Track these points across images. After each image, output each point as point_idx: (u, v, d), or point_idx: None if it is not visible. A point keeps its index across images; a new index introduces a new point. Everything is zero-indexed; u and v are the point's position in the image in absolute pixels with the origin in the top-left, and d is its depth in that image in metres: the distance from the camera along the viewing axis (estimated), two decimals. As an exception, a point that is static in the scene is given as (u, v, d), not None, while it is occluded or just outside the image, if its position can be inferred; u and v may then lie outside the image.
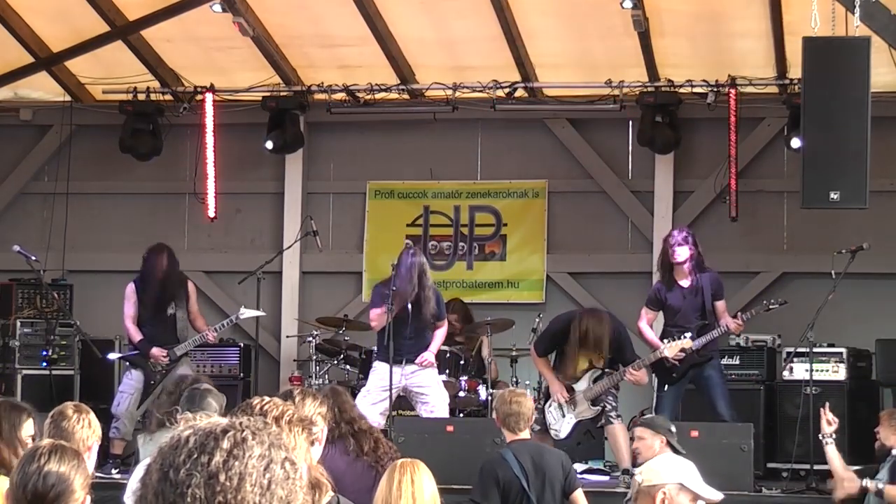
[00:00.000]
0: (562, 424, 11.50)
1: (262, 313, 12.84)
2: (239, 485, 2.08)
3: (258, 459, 2.11)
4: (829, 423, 10.14)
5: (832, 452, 10.16)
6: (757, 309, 11.86)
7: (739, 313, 11.78)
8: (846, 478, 10.19)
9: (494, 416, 8.42)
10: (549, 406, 11.57)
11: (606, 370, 11.49)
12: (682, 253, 11.59)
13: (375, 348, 11.99)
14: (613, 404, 11.37)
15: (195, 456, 2.10)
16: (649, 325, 11.88)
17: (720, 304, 11.77)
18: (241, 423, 2.16)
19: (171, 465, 2.10)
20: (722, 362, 12.08)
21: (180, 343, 12.41)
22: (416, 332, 11.58)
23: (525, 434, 8.16)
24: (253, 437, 2.14)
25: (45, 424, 5.46)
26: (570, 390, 11.49)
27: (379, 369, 11.55)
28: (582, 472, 12.32)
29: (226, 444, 2.11)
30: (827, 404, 10.56)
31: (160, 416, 6.18)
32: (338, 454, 6.97)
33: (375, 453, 7.14)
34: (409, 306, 11.46)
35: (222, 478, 2.08)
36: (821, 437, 10.22)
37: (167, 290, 12.42)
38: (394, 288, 11.38)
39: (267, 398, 4.86)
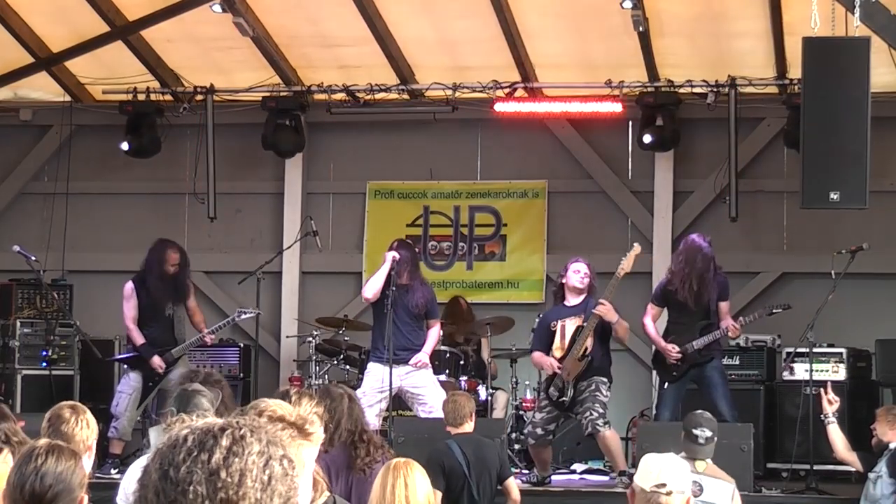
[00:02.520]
0: (568, 392, 11.47)
1: (258, 312, 12.83)
2: (240, 481, 2.09)
3: (258, 456, 2.12)
4: (829, 402, 10.15)
5: (834, 432, 10.17)
6: (760, 312, 11.86)
7: (741, 318, 11.76)
8: (849, 459, 10.20)
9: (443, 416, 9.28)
10: (551, 390, 11.53)
11: (593, 357, 11.40)
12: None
13: (370, 350, 11.98)
14: (600, 411, 11.13)
15: (195, 454, 2.10)
16: (653, 321, 11.89)
17: (724, 305, 11.76)
18: (237, 422, 2.17)
19: (170, 464, 2.11)
20: (723, 362, 12.06)
21: (178, 344, 12.40)
22: (410, 326, 11.58)
23: (467, 427, 8.99)
24: (251, 434, 2.15)
25: (41, 428, 5.45)
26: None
27: (373, 371, 11.55)
28: (582, 473, 12.33)
29: (225, 442, 2.12)
30: (829, 383, 10.58)
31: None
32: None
33: (365, 458, 7.14)
34: (401, 297, 11.46)
35: (223, 474, 2.09)
36: (822, 418, 10.23)
37: (172, 287, 12.37)
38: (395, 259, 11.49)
39: (271, 402, 4.84)
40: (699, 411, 8.51)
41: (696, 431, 8.12)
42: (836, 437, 10.18)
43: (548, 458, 11.59)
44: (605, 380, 11.34)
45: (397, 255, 11.56)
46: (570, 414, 11.41)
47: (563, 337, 11.42)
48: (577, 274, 11.45)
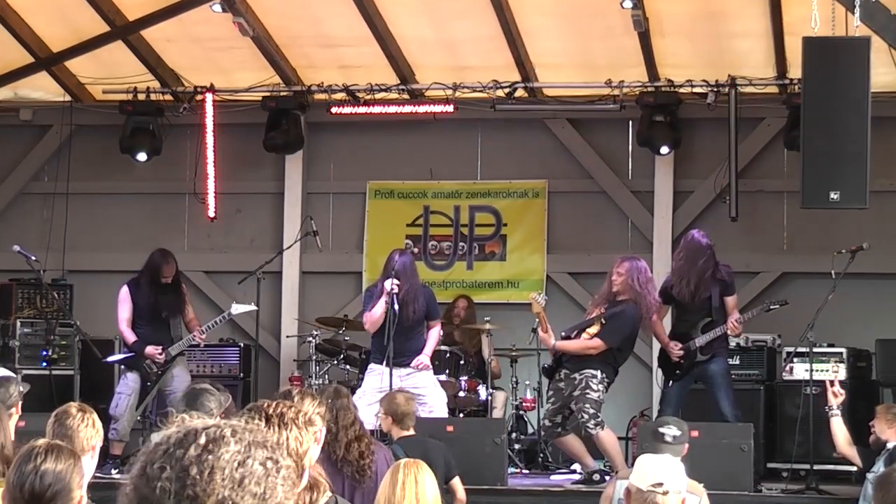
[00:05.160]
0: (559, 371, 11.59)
1: (254, 307, 12.77)
2: (210, 477, 2.08)
3: (233, 455, 2.11)
4: (834, 395, 10.15)
5: (837, 425, 10.16)
6: (758, 309, 11.85)
7: (739, 314, 11.74)
8: (849, 454, 10.19)
9: (384, 414, 9.03)
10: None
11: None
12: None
13: (371, 350, 11.95)
14: (590, 412, 11.05)
15: (171, 450, 2.11)
16: (661, 319, 11.87)
17: (730, 300, 11.67)
18: (225, 424, 2.16)
19: (150, 461, 2.12)
20: (728, 362, 11.99)
21: (175, 343, 12.38)
22: (410, 331, 11.55)
23: (412, 431, 8.94)
24: (232, 435, 2.14)
25: (48, 424, 5.45)
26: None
27: (374, 371, 11.53)
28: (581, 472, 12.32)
29: (202, 440, 2.12)
30: (836, 377, 10.59)
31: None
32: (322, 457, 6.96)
33: (358, 463, 7.12)
34: (399, 306, 11.40)
35: (193, 471, 2.08)
36: (826, 410, 10.22)
37: (164, 297, 12.37)
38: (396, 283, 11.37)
39: (275, 401, 4.84)
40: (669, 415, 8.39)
41: (662, 430, 7.99)
42: (839, 430, 10.18)
43: (573, 450, 11.41)
44: (593, 372, 11.19)
45: (396, 288, 11.42)
46: (568, 405, 11.38)
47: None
48: (613, 277, 11.45)
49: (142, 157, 14.46)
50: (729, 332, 11.60)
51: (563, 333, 11.44)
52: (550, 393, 11.47)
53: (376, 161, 15.01)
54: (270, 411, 4.57)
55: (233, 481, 2.09)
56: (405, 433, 8.88)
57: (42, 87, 15.00)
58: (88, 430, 5.45)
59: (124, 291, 12.41)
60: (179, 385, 11.79)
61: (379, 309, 11.39)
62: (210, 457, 2.10)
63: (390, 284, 11.33)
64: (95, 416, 5.60)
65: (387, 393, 9.96)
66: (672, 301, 11.86)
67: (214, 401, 5.76)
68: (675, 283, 11.61)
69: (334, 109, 14.34)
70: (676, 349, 11.57)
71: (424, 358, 11.58)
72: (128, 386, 12.24)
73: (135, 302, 12.34)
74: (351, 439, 7.17)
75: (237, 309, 12.48)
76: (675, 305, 11.89)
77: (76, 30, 13.95)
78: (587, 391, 11.14)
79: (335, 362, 13.43)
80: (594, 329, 11.34)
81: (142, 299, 12.34)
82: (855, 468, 10.53)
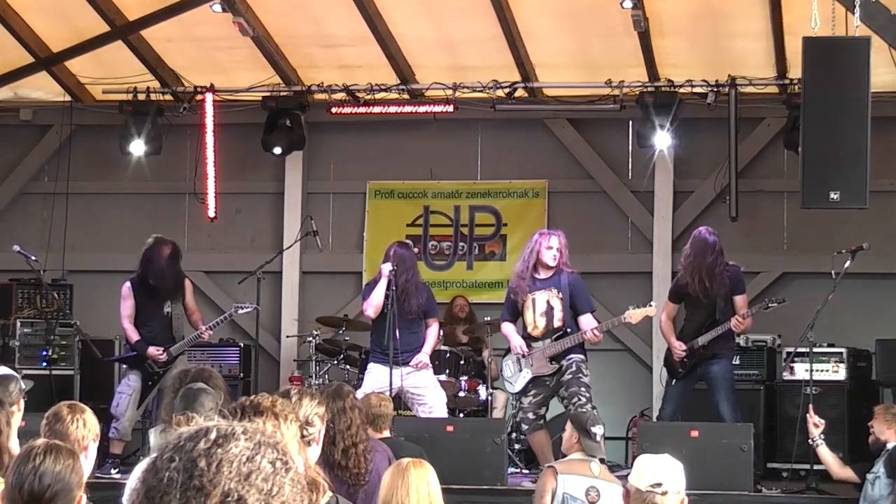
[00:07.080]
0: (517, 378, 11.46)
1: (256, 307, 12.76)
2: (217, 469, 2.10)
3: (242, 450, 2.13)
4: (815, 425, 10.19)
5: (825, 453, 10.24)
6: (757, 307, 11.84)
7: (747, 310, 11.72)
8: (845, 476, 10.23)
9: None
10: (507, 359, 11.54)
11: (568, 329, 11.34)
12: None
13: (370, 348, 11.95)
14: (587, 395, 11.11)
15: (181, 444, 2.14)
16: (670, 318, 11.85)
17: (739, 299, 11.61)
18: (237, 424, 2.18)
19: (160, 457, 2.15)
20: (732, 363, 11.95)
21: (177, 342, 12.38)
22: (411, 325, 11.56)
23: (387, 433, 8.77)
24: (243, 433, 2.17)
25: (41, 426, 5.45)
26: (530, 347, 11.40)
27: (374, 371, 11.53)
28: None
29: (213, 436, 2.15)
30: (811, 407, 10.58)
31: (166, 417, 6.16)
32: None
33: (353, 470, 7.09)
34: (399, 300, 11.40)
35: (202, 463, 2.10)
36: (810, 441, 10.27)
37: (166, 283, 12.35)
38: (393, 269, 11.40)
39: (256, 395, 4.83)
40: (584, 410, 8.81)
41: (593, 429, 8.21)
42: (828, 457, 10.27)
43: (547, 445, 11.49)
44: (581, 357, 11.25)
45: (393, 269, 11.45)
46: (556, 394, 11.37)
47: (534, 312, 11.38)
48: (550, 251, 11.36)
49: (141, 150, 14.43)
50: (734, 328, 11.55)
51: (547, 334, 11.35)
52: (530, 386, 11.43)
53: (376, 161, 15.01)
54: (247, 403, 4.58)
55: (240, 475, 2.11)
56: (379, 435, 8.68)
57: (42, 87, 15.00)
58: (80, 430, 5.43)
59: (126, 287, 12.40)
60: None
61: (378, 293, 11.41)
62: (219, 450, 2.12)
63: (388, 268, 11.37)
64: (88, 413, 5.58)
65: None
66: (683, 300, 11.84)
67: (211, 400, 5.76)
68: (688, 280, 11.56)
69: (334, 109, 14.35)
70: (680, 349, 11.54)
71: (424, 356, 11.59)
72: (129, 385, 12.24)
73: (137, 298, 12.34)
74: (348, 445, 7.08)
75: (240, 310, 12.51)
76: (686, 305, 11.87)
77: (76, 30, 13.95)
78: (580, 375, 11.19)
79: (335, 362, 13.43)
80: (559, 313, 11.28)
81: (145, 292, 12.32)
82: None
